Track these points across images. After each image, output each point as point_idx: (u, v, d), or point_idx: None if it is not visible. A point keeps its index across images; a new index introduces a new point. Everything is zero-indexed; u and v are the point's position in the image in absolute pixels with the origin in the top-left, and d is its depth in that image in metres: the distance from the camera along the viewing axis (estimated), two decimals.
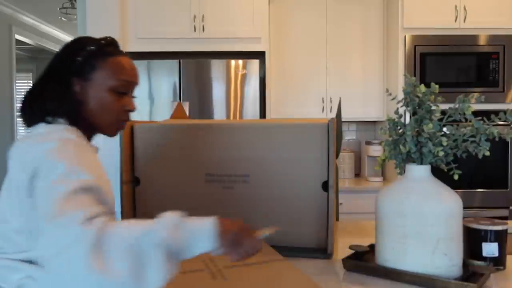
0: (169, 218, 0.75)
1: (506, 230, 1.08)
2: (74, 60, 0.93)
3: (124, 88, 0.97)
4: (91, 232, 0.69)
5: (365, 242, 1.21)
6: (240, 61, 2.81)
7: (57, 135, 0.86)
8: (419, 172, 1.03)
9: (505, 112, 1.00)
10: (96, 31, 2.87)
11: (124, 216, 1.29)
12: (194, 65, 2.82)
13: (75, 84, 0.93)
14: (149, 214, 1.33)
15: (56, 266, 0.69)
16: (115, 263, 0.69)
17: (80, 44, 0.96)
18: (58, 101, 0.91)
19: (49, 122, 0.90)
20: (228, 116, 2.82)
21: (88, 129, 0.96)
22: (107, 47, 0.97)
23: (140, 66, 2.82)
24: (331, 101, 3.23)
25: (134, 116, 2.94)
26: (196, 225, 0.75)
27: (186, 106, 2.78)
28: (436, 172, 1.04)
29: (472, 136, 1.00)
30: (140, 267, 0.70)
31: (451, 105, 1.04)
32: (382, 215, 1.04)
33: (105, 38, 0.99)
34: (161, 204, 1.32)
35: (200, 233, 0.75)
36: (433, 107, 1.04)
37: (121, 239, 0.71)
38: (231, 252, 0.77)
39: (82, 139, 0.91)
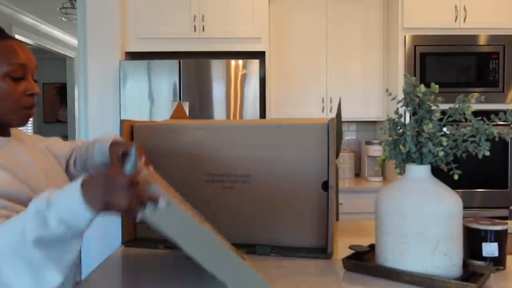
0: (31, 209, 0.70)
1: (506, 230, 1.08)
2: None
3: (20, 73, 0.90)
4: None
5: (365, 242, 1.21)
6: (240, 61, 2.81)
7: None
8: (419, 172, 1.03)
9: (505, 112, 1.00)
10: (96, 31, 2.88)
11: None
12: (194, 65, 2.82)
13: None
14: None
15: None
16: (14, 279, 0.69)
17: None
18: None
19: None
20: (228, 116, 2.82)
21: None
22: None
23: (140, 66, 2.82)
24: (331, 101, 3.23)
25: (134, 116, 2.95)
26: (64, 201, 0.69)
27: (186, 106, 2.78)
28: (436, 172, 1.04)
29: (472, 136, 1.00)
30: (34, 271, 0.69)
31: (451, 105, 1.04)
32: (382, 215, 1.04)
33: None
34: None
35: (72, 211, 0.68)
36: (433, 107, 1.04)
37: (4, 256, 0.69)
38: (108, 205, 0.69)
39: None
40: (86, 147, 1.15)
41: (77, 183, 0.70)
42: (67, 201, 0.69)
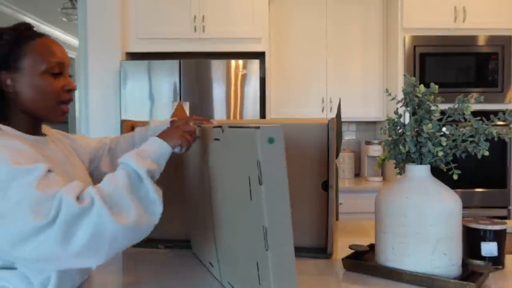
0: (131, 156, 0.84)
1: (505, 230, 1.09)
2: None
3: (58, 69, 0.93)
4: (95, 203, 0.76)
5: (365, 242, 1.22)
6: (240, 61, 2.81)
7: None
8: (419, 172, 1.04)
9: (504, 112, 1.00)
10: (96, 32, 2.89)
11: None
12: (194, 65, 2.82)
13: (5, 78, 0.88)
14: None
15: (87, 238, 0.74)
16: (129, 212, 0.78)
17: None
18: None
19: None
20: (228, 116, 2.82)
21: (29, 121, 0.93)
22: (24, 32, 0.91)
23: (141, 66, 2.82)
24: (331, 101, 3.24)
25: (134, 116, 2.95)
26: (148, 147, 0.89)
27: (186, 106, 2.78)
28: (436, 172, 1.04)
29: (471, 136, 1.01)
30: (145, 202, 0.82)
31: (451, 105, 1.04)
32: (382, 215, 1.05)
33: (19, 24, 0.94)
34: None
35: (157, 150, 0.89)
36: (433, 107, 1.04)
37: (119, 193, 0.79)
38: (182, 137, 0.94)
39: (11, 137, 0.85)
40: (129, 141, 1.19)
41: (151, 137, 0.93)
42: (152, 146, 0.89)
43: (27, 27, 0.94)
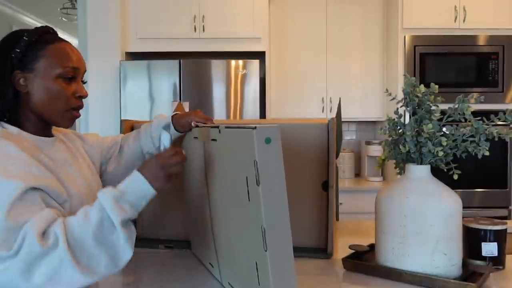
0: (108, 200, 0.80)
1: (505, 230, 1.08)
2: (14, 52, 0.88)
3: (72, 74, 0.93)
4: (54, 248, 0.74)
5: (365, 242, 1.22)
6: (240, 61, 2.81)
7: None
8: (419, 172, 1.04)
9: (504, 112, 1.00)
10: (96, 32, 2.89)
11: None
12: (194, 65, 2.82)
13: (18, 78, 0.89)
14: (150, 214, 1.34)
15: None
16: (94, 262, 0.77)
17: (16, 36, 0.91)
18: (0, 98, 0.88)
19: None
20: (228, 116, 2.82)
21: (38, 122, 0.93)
22: (45, 35, 0.92)
23: (140, 66, 2.82)
24: (331, 101, 3.23)
25: (134, 116, 2.95)
26: (130, 188, 0.83)
27: (186, 106, 2.78)
28: (436, 172, 1.04)
29: (472, 136, 1.01)
30: (112, 251, 0.79)
31: (451, 105, 1.04)
32: (382, 215, 1.04)
33: (42, 27, 0.94)
34: (161, 205, 1.32)
35: (139, 193, 0.84)
36: (433, 107, 1.04)
37: (87, 240, 0.77)
38: (168, 178, 0.87)
39: (9, 140, 0.84)
40: (136, 139, 1.17)
41: (135, 172, 0.86)
42: (133, 187, 0.84)
43: (48, 31, 0.94)
